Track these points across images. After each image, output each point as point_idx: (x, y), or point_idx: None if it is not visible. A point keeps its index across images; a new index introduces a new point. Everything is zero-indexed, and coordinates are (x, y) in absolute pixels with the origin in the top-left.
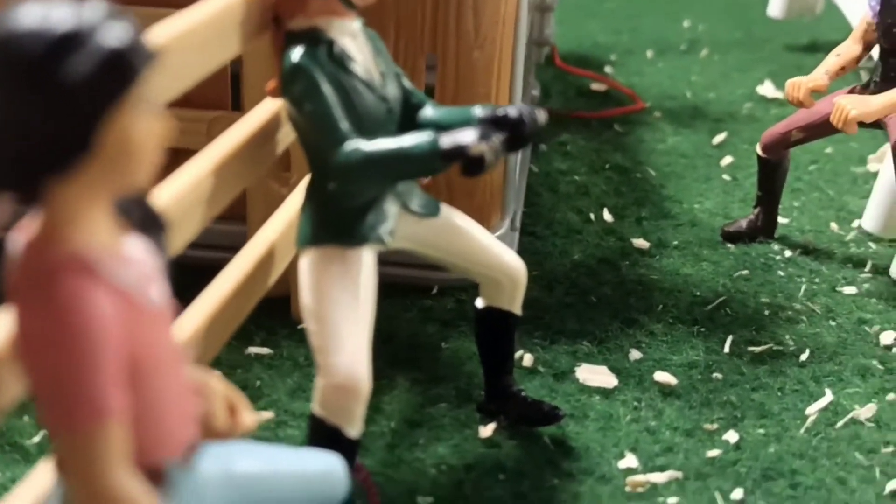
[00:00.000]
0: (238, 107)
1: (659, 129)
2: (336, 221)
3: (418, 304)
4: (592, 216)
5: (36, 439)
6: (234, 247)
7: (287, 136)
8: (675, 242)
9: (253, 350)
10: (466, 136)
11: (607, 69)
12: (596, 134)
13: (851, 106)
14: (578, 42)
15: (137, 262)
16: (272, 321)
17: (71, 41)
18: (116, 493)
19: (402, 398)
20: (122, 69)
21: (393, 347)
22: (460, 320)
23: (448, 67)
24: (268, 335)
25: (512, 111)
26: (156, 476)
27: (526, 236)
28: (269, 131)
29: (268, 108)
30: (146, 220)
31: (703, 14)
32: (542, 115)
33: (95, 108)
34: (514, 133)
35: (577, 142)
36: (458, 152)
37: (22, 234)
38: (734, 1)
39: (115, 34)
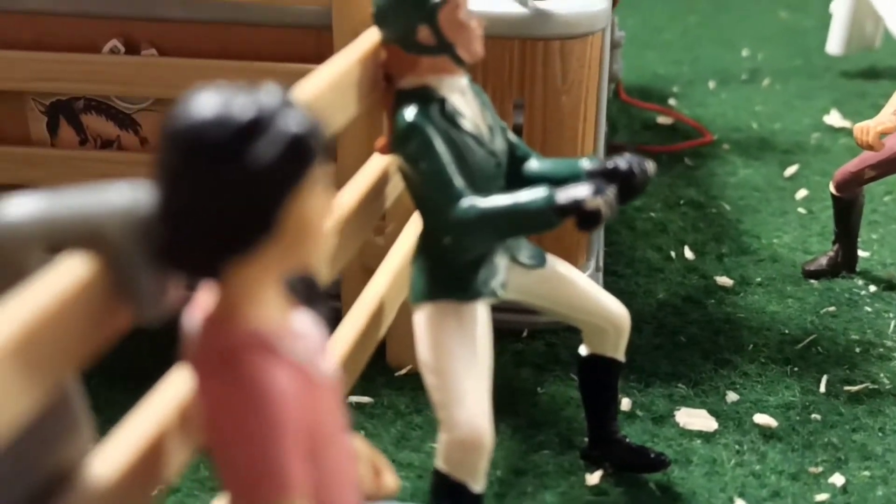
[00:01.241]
0: (333, 158)
1: (729, 161)
2: (450, 276)
3: (510, 348)
4: (673, 253)
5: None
6: (328, 294)
7: (392, 191)
8: (758, 279)
9: (354, 399)
10: (582, 191)
11: (671, 101)
12: (667, 168)
13: None
14: (638, 74)
15: (306, 336)
16: (369, 369)
17: (255, 128)
18: None
19: (505, 445)
20: (302, 152)
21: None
22: (553, 364)
23: (535, 112)
24: (366, 383)
25: (622, 163)
26: None
27: (609, 276)
28: (378, 187)
29: (375, 164)
30: (309, 294)
31: (761, 43)
32: (651, 166)
33: (278, 191)
34: (625, 184)
35: (651, 179)
36: (575, 207)
37: (197, 311)
38: (790, 28)
39: (294, 119)
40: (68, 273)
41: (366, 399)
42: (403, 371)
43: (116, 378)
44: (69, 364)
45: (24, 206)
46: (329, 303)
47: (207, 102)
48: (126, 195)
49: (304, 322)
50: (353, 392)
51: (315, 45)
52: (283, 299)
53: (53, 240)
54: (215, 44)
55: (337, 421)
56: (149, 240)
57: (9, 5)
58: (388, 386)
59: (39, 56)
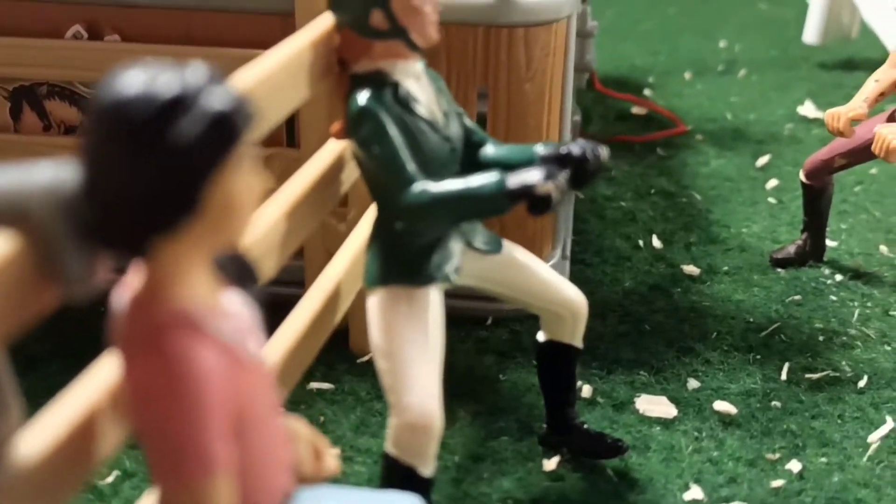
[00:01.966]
0: (293, 143)
1: (702, 151)
2: (403, 261)
3: (474, 335)
4: (641, 242)
5: (109, 479)
6: (292, 281)
7: (349, 176)
8: (726, 268)
9: (315, 385)
10: (533, 176)
11: (646, 92)
12: (639, 158)
13: (893, 136)
14: (615, 65)
15: (236, 315)
16: (331, 355)
17: (178, 105)
18: None
19: (464, 431)
20: (227, 130)
21: (451, 380)
22: (516, 351)
23: (500, 100)
24: (328, 370)
25: (575, 148)
26: None
27: (576, 264)
28: (334, 172)
29: (331, 149)
30: (241, 274)
31: (739, 34)
32: (604, 151)
33: (203, 169)
34: (578, 170)
35: (621, 166)
36: (525, 192)
37: (125, 291)
38: (769, 20)
39: (219, 97)
40: None
41: (327, 385)
42: (366, 358)
43: (49, 358)
44: None
45: None
46: (264, 285)
47: (132, 80)
48: (51, 173)
49: (233, 302)
50: (315, 378)
51: (279, 30)
52: (212, 278)
53: None
54: (179, 30)
55: (267, 402)
56: (74, 217)
57: None
58: (349, 372)
59: (1, 41)
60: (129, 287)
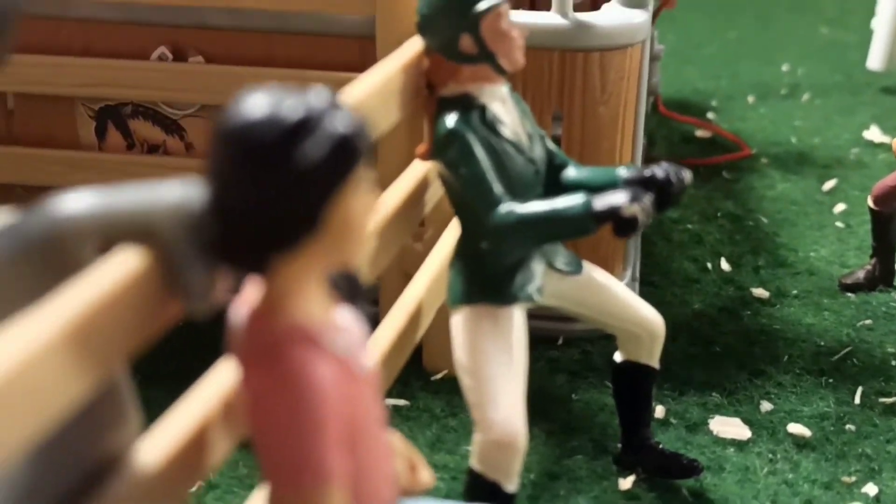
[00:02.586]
0: (375, 163)
1: (767, 175)
2: (487, 281)
3: (546, 355)
4: (709, 265)
5: (192, 489)
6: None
7: (432, 196)
8: (795, 292)
9: (390, 401)
10: (619, 198)
11: (710, 115)
12: (704, 181)
13: None
14: (678, 88)
15: (348, 330)
16: (405, 372)
17: (303, 128)
18: None
19: (539, 450)
20: (348, 152)
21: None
22: (588, 371)
23: (574, 123)
24: (403, 387)
25: (659, 171)
26: None
27: (644, 286)
28: (417, 194)
29: (417, 170)
30: (351, 291)
31: (801, 58)
32: (688, 175)
33: (325, 189)
34: (662, 193)
35: (687, 189)
36: (612, 214)
37: (243, 305)
38: (830, 44)
39: (341, 120)
40: (121, 266)
41: (402, 402)
42: (439, 375)
43: (163, 369)
44: (119, 354)
45: (80, 201)
46: (368, 303)
47: (258, 103)
48: (178, 192)
49: (345, 317)
50: (390, 395)
51: (358, 54)
52: (327, 295)
53: (107, 233)
54: (260, 51)
55: (375, 415)
56: (199, 235)
57: (61, 12)
58: (424, 389)
59: (89, 62)
60: (246, 302)
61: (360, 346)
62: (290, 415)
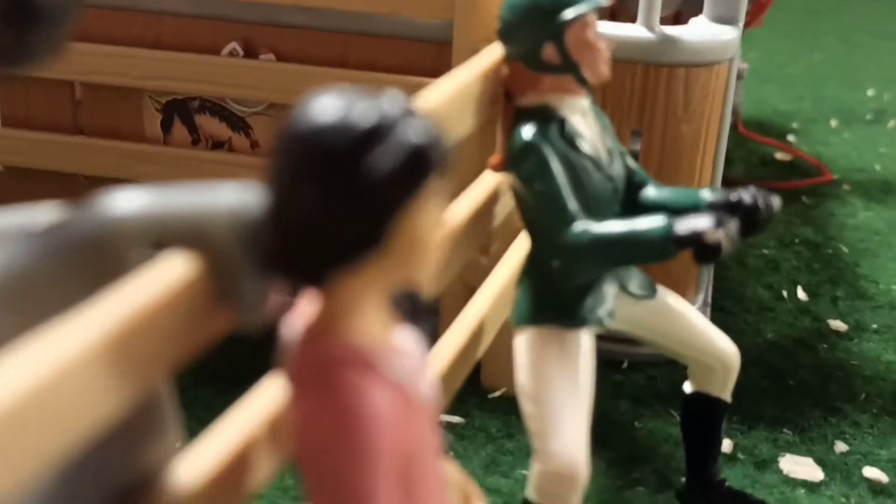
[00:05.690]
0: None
1: (849, 202)
2: (556, 301)
3: (609, 378)
4: (784, 293)
5: None
6: (431, 311)
7: (502, 209)
8: (875, 326)
9: (445, 418)
10: (703, 223)
11: (790, 137)
12: (783, 205)
13: None
14: (758, 108)
15: (408, 354)
16: (462, 389)
17: (375, 135)
18: None
19: (599, 479)
20: (420, 165)
21: None
22: (652, 398)
23: (654, 140)
24: (458, 403)
25: (746, 196)
26: None
27: (716, 312)
28: (488, 205)
29: (488, 181)
30: (414, 311)
31: (888, 83)
32: (776, 201)
33: (393, 202)
34: (748, 219)
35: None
36: (694, 239)
37: (297, 320)
38: None
39: (415, 129)
40: (170, 272)
41: (457, 419)
42: (497, 393)
43: (209, 380)
44: (162, 365)
45: (131, 201)
46: (430, 320)
47: (328, 106)
48: (235, 196)
49: (406, 339)
50: (446, 411)
51: (433, 59)
52: (387, 314)
53: (158, 236)
54: (333, 52)
55: (432, 445)
56: (255, 244)
57: (132, 5)
58: (480, 407)
59: (159, 55)
60: (301, 316)
61: (419, 372)
62: (341, 443)
